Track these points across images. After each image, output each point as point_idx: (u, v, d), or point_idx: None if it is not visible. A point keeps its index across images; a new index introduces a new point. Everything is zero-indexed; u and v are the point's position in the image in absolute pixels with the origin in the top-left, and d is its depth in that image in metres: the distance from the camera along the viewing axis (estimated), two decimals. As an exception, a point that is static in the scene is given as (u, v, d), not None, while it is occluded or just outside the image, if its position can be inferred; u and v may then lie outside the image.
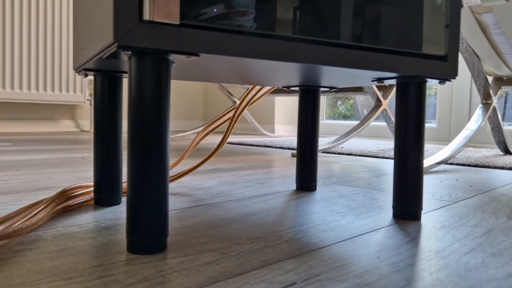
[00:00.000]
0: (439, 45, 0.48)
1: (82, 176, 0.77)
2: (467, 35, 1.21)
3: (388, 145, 1.69)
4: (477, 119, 1.28)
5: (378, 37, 0.44)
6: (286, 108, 2.66)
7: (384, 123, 2.20)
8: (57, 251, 0.36)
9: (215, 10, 0.37)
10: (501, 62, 1.30)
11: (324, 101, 2.57)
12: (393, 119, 1.59)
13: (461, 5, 0.55)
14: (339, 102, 2.57)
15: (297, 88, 0.68)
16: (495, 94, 1.36)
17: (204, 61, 0.40)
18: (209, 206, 0.54)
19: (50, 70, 2.14)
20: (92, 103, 1.99)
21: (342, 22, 0.42)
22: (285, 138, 2.18)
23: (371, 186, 0.73)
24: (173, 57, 0.35)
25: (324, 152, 1.38)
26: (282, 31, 0.38)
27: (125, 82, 2.55)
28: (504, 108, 1.94)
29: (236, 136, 2.24)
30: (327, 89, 0.67)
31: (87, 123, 2.40)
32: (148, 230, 0.35)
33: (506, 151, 1.44)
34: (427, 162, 1.00)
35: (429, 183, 0.78)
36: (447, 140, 2.01)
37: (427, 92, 2.14)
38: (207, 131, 0.70)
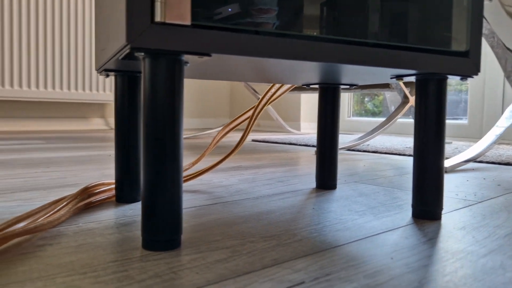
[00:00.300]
0: (460, 40, 0.47)
1: (107, 173, 0.79)
2: (497, 29, 1.17)
3: (416, 142, 1.65)
4: (509, 116, 1.23)
5: (397, 34, 0.43)
6: (311, 105, 2.64)
7: (412, 120, 2.15)
8: (75, 247, 0.37)
9: (229, 10, 0.37)
10: (535, 56, 1.24)
11: (351, 98, 2.53)
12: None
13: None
14: (366, 99, 2.53)
15: (317, 86, 0.68)
16: (529, 90, 1.31)
17: (221, 61, 0.40)
18: (227, 204, 0.55)
19: (81, 70, 2.20)
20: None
21: (359, 19, 0.41)
22: (310, 135, 2.16)
23: (393, 184, 0.72)
24: (186, 57, 0.36)
25: (348, 150, 1.37)
26: (297, 30, 0.38)
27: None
28: (540, 104, 1.86)
29: (261, 134, 2.24)
30: (347, 86, 0.66)
31: (117, 121, 2.46)
32: (161, 228, 0.36)
33: (541, 149, 1.38)
34: (454, 160, 0.97)
35: (454, 181, 0.76)
36: (478, 137, 1.95)
37: (458, 88, 2.08)
38: (227, 129, 0.71)
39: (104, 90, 2.28)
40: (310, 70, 0.48)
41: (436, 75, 0.47)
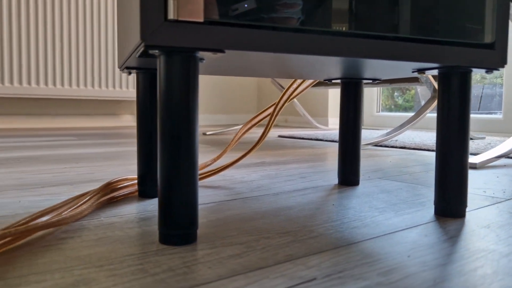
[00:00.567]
0: (484, 31, 0.45)
1: (133, 169, 0.81)
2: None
3: (446, 138, 1.61)
4: (545, 109, 1.18)
5: (418, 27, 0.42)
6: (339, 100, 2.61)
7: (444, 115, 2.08)
8: (95, 240, 0.38)
9: (245, 5, 0.37)
10: None
11: (380, 92, 2.49)
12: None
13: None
14: (395, 93, 2.48)
15: (339, 81, 0.67)
16: None
17: (238, 56, 0.40)
18: (247, 200, 0.55)
19: (111, 68, 2.25)
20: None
21: (380, 13, 0.40)
22: (337, 131, 2.14)
23: (418, 181, 0.71)
24: (201, 54, 0.36)
25: (376, 146, 1.35)
26: (311, 25, 0.38)
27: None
28: None
29: (288, 130, 2.24)
30: (370, 81, 0.65)
31: (146, 117, 2.51)
32: (177, 222, 0.36)
33: None
34: (485, 156, 0.94)
35: (483, 178, 0.74)
36: (514, 132, 1.87)
37: (493, 80, 2.01)
38: (249, 125, 0.71)
39: (134, 88, 2.33)
40: (331, 65, 0.48)
41: (460, 68, 0.46)
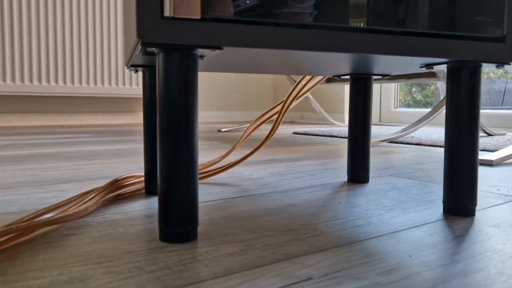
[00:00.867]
0: (496, 25, 0.44)
1: (143, 166, 0.82)
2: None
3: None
4: None
5: (427, 21, 0.41)
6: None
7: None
8: (96, 237, 0.38)
9: (248, 1, 0.37)
10: None
11: (397, 88, 2.45)
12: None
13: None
14: (413, 89, 2.44)
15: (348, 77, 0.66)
16: None
17: (240, 53, 0.40)
18: (252, 197, 0.55)
19: (128, 65, 2.28)
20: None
21: (387, 7, 0.39)
22: (354, 127, 2.11)
23: (430, 178, 0.69)
24: (201, 51, 0.36)
25: (391, 142, 1.33)
26: (312, 20, 0.37)
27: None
28: None
29: (303, 126, 2.22)
30: (380, 76, 0.64)
31: (162, 115, 2.53)
32: (177, 220, 0.36)
33: None
34: (502, 153, 0.91)
35: (498, 175, 0.72)
36: (536, 128, 1.82)
37: (514, 75, 1.96)
38: (258, 123, 0.71)
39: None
40: (338, 61, 0.47)
41: (469, 62, 0.45)
